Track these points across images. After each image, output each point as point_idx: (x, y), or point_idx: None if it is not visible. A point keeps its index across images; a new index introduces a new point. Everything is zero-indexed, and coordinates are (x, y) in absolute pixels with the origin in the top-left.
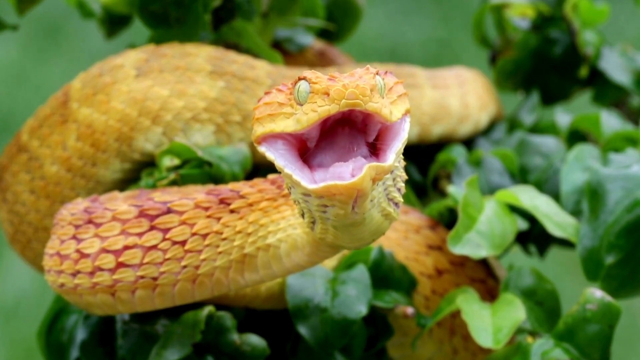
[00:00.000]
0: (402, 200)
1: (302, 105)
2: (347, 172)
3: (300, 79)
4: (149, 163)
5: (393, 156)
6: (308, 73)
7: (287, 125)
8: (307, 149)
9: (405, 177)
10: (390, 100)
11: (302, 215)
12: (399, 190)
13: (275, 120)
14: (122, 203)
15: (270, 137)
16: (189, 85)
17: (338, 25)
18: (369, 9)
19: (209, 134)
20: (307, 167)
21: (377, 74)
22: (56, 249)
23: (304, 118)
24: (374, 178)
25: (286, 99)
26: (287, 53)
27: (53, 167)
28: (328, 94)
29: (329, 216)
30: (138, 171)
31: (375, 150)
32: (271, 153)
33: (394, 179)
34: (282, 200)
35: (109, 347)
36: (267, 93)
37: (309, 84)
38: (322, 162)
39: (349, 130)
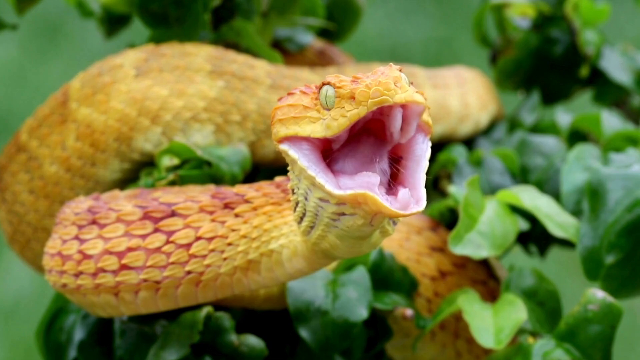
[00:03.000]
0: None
1: (329, 110)
2: (375, 182)
3: (324, 83)
4: (148, 163)
5: (424, 194)
6: (332, 78)
7: (313, 130)
8: (329, 152)
9: None
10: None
11: (300, 219)
12: None
13: (300, 124)
14: (126, 203)
15: (295, 138)
16: (188, 85)
17: (338, 24)
18: (369, 8)
19: (208, 133)
20: (331, 172)
21: (400, 70)
22: (58, 249)
23: (334, 124)
24: (404, 215)
25: (312, 103)
26: (287, 52)
27: (52, 167)
28: (354, 98)
29: (340, 225)
30: (137, 171)
31: (397, 173)
32: (294, 152)
33: None
34: (287, 204)
35: (106, 347)
36: (290, 94)
37: (334, 88)
38: (344, 169)
39: (374, 140)
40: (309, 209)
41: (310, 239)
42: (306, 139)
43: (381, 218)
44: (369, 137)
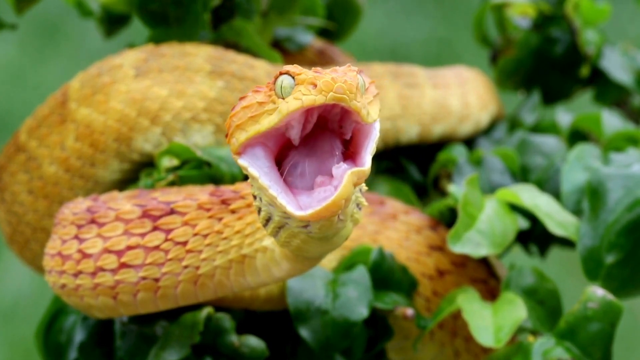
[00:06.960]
0: (365, 202)
1: (284, 99)
2: (332, 194)
3: (281, 73)
4: (147, 163)
5: (369, 157)
6: (289, 67)
7: (270, 120)
8: (287, 154)
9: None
10: (367, 101)
11: (266, 222)
12: (361, 191)
13: (259, 121)
14: (125, 202)
15: (249, 147)
16: (188, 85)
17: (338, 24)
18: (370, 7)
19: (208, 134)
20: (290, 192)
21: (359, 72)
22: (57, 249)
23: (284, 107)
24: (355, 183)
25: (266, 97)
26: (287, 52)
27: (51, 167)
28: (315, 85)
29: (312, 230)
30: (137, 172)
31: (348, 152)
32: (254, 170)
33: None
34: None
35: (107, 348)
36: (242, 98)
37: (293, 77)
38: (304, 171)
39: (329, 134)
40: (275, 218)
41: (279, 240)
42: (261, 144)
43: (346, 209)
44: (324, 132)
